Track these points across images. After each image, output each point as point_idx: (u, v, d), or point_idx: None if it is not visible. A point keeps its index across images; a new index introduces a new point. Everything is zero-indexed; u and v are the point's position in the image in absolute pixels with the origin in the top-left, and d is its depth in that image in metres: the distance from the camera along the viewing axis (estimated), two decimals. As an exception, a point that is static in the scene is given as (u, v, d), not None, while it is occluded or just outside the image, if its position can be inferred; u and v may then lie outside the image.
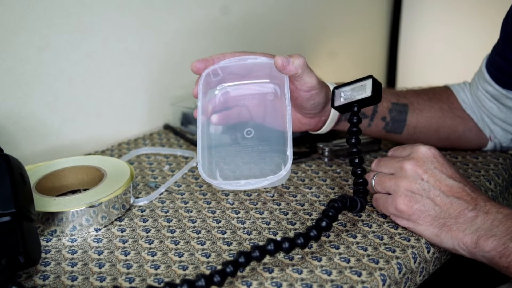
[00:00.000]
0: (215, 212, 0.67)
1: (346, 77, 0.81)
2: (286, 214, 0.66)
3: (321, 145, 0.81)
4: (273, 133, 0.70)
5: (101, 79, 0.88)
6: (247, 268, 0.54)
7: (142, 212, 0.68)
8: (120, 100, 0.91)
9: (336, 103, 0.67)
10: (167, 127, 0.97)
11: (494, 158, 0.80)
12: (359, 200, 0.60)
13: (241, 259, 0.51)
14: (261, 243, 0.57)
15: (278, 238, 0.59)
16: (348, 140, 0.64)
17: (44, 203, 0.62)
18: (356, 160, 0.63)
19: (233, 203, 0.69)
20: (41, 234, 0.62)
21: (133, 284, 0.54)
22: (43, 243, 0.61)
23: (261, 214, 0.66)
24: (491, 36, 0.79)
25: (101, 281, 0.54)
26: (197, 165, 0.64)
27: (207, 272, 0.54)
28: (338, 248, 0.58)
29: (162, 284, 0.50)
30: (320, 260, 0.56)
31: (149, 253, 0.59)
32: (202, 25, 1.01)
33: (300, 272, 0.54)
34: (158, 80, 0.96)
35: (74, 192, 0.72)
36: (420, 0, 1.50)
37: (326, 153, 0.80)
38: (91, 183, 0.71)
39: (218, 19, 1.04)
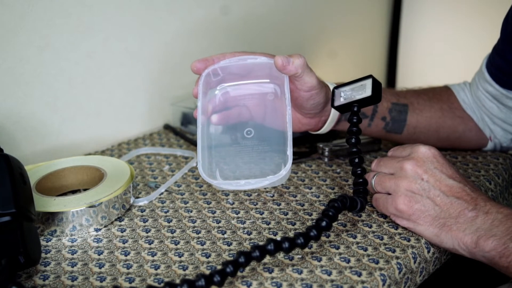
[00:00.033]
0: (215, 212, 0.67)
1: (346, 77, 0.81)
2: (286, 214, 0.66)
3: (321, 145, 0.81)
4: (273, 133, 0.70)
5: (101, 79, 0.88)
6: (247, 268, 0.54)
7: (142, 212, 0.68)
8: (120, 100, 0.91)
9: (336, 103, 0.67)
10: (167, 127, 0.97)
11: (494, 158, 0.80)
12: (359, 200, 0.60)
13: (241, 259, 0.51)
14: (261, 243, 0.57)
15: (278, 238, 0.59)
16: (348, 140, 0.64)
17: (44, 203, 0.62)
18: (356, 160, 0.63)
19: (233, 203, 0.69)
20: (41, 234, 0.62)
21: (133, 284, 0.54)
22: (43, 243, 0.61)
23: (261, 214, 0.66)
24: (491, 36, 0.79)
25: (101, 281, 0.54)
26: (197, 165, 0.64)
27: (207, 272, 0.54)
28: (338, 248, 0.58)
29: (162, 284, 0.50)
30: (320, 260, 0.56)
31: (149, 253, 0.59)
32: (202, 25, 1.01)
33: (300, 272, 0.54)
34: (158, 80, 0.96)
35: (74, 192, 0.72)
36: (420, 0, 1.50)
37: (326, 153, 0.80)
38: (91, 183, 0.71)
39: (218, 19, 1.04)
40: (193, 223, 0.64)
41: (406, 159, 0.60)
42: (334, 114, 0.72)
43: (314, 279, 0.53)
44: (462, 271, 0.81)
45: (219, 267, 0.53)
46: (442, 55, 1.50)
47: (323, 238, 0.60)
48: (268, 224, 0.64)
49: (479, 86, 0.78)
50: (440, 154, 0.60)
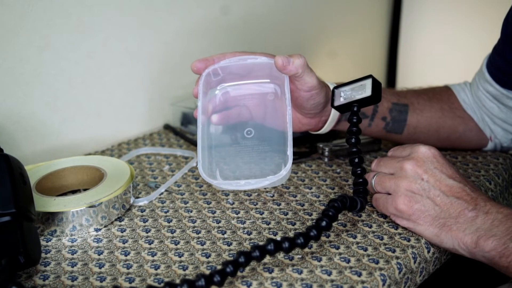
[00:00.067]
0: (215, 212, 0.67)
1: (346, 77, 0.81)
2: (286, 214, 0.66)
3: (321, 145, 0.81)
4: (273, 133, 0.70)
5: (101, 79, 0.88)
6: (247, 268, 0.54)
7: (142, 212, 0.68)
8: (120, 100, 0.91)
9: (336, 103, 0.67)
10: (167, 127, 0.97)
11: (494, 158, 0.80)
12: (359, 200, 0.60)
13: (241, 259, 0.51)
14: (261, 243, 0.57)
15: (278, 238, 0.59)
16: (348, 140, 0.64)
17: (44, 203, 0.62)
18: (356, 160, 0.63)
19: (233, 203, 0.69)
20: (41, 234, 0.62)
21: (133, 284, 0.54)
22: (43, 243, 0.61)
23: (261, 214, 0.66)
24: (491, 36, 0.79)
25: (101, 281, 0.54)
26: (197, 165, 0.64)
27: (207, 272, 0.54)
28: (338, 248, 0.58)
29: (162, 284, 0.50)
30: (320, 260, 0.56)
31: (149, 253, 0.59)
32: (202, 25, 1.01)
33: (300, 272, 0.54)
34: (158, 80, 0.96)
35: (74, 192, 0.72)
36: (420, 0, 1.50)
37: (326, 153, 0.80)
38: (91, 183, 0.71)
39: (218, 19, 1.04)
40: (193, 223, 0.64)
41: (406, 159, 0.60)
42: (334, 114, 0.72)
43: (314, 279, 0.53)
44: (462, 271, 0.81)
45: (219, 267, 0.53)
46: (442, 55, 1.50)
47: (323, 238, 0.60)
48: (268, 224, 0.64)
49: (479, 86, 0.78)
50: (440, 154, 0.60)
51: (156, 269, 0.56)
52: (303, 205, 0.68)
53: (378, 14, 1.52)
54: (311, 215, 0.65)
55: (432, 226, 0.57)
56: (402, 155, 0.62)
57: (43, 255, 0.59)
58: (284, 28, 1.22)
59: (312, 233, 0.54)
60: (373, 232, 0.61)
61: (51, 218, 0.61)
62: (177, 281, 0.54)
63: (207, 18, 1.02)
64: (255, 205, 0.68)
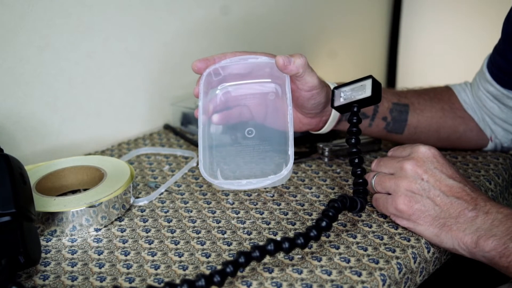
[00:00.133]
0: (215, 212, 0.67)
1: (346, 77, 0.81)
2: (286, 214, 0.66)
3: (321, 145, 0.81)
4: (274, 133, 0.70)
5: (101, 79, 0.88)
6: (247, 268, 0.54)
7: (142, 212, 0.67)
8: (120, 100, 0.91)
9: (336, 103, 0.67)
10: (167, 127, 0.97)
11: (494, 158, 0.80)
12: (359, 200, 0.60)
13: (241, 259, 0.51)
14: (261, 243, 0.57)
15: (278, 238, 0.59)
16: (348, 140, 0.64)
17: (44, 203, 0.62)
18: (356, 160, 0.63)
19: (233, 203, 0.69)
20: (41, 234, 0.62)
21: (133, 284, 0.54)
22: (43, 243, 0.61)
23: (261, 214, 0.66)
24: (491, 36, 0.79)
25: (101, 281, 0.54)
26: (197, 165, 0.64)
27: (207, 272, 0.54)
28: (338, 248, 0.58)
29: (162, 284, 0.50)
30: (320, 260, 0.56)
31: (149, 253, 0.59)
32: (202, 25, 1.01)
33: (300, 272, 0.54)
34: (158, 80, 0.96)
35: (74, 192, 0.72)
36: (420, 0, 1.50)
37: (326, 153, 0.80)
38: (91, 183, 0.71)
39: (218, 19, 1.04)
40: (193, 223, 0.64)
41: (406, 159, 0.60)
42: (334, 114, 0.72)
43: (314, 279, 0.53)
44: (462, 271, 0.81)
45: (219, 267, 0.53)
46: (442, 55, 1.50)
47: (323, 238, 0.60)
48: (268, 224, 0.64)
49: (480, 86, 0.78)
50: (440, 154, 0.60)
51: (156, 269, 0.56)
52: (303, 205, 0.68)
53: (378, 14, 1.52)
54: (311, 215, 0.65)
55: (432, 226, 0.57)
56: (402, 155, 0.62)
57: (43, 255, 0.59)
58: (284, 28, 1.22)
59: (312, 234, 0.54)
60: (373, 232, 0.61)
61: (51, 218, 0.61)
62: (177, 281, 0.54)
63: (207, 18, 1.02)
64: (255, 205, 0.68)
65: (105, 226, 0.64)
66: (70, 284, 0.54)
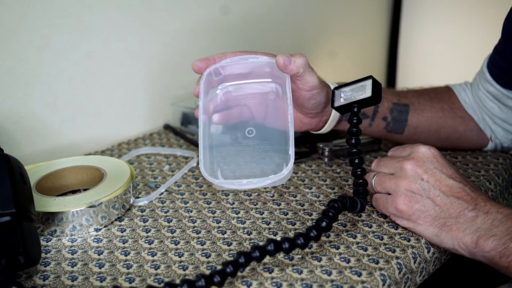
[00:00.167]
0: (215, 212, 0.67)
1: (346, 77, 0.81)
2: (286, 214, 0.66)
3: (321, 145, 0.81)
4: (274, 133, 0.70)
5: (101, 79, 0.88)
6: (247, 268, 0.54)
7: (142, 212, 0.67)
8: (120, 100, 0.91)
9: (336, 104, 0.67)
10: (167, 127, 0.97)
11: (494, 158, 0.80)
12: (359, 201, 0.60)
13: (241, 259, 0.51)
14: (261, 243, 0.57)
15: (278, 238, 0.59)
16: (348, 141, 0.64)
17: (44, 203, 0.62)
18: (356, 161, 0.63)
19: (233, 203, 0.69)
20: (41, 234, 0.62)
21: (133, 284, 0.54)
22: (43, 243, 0.61)
23: (261, 214, 0.66)
24: (491, 36, 0.79)
25: (101, 281, 0.54)
26: (197, 165, 0.64)
27: (207, 272, 0.54)
28: (338, 248, 0.58)
29: (162, 284, 0.50)
30: (320, 260, 0.56)
31: (149, 253, 0.59)
32: (202, 25, 1.01)
33: (300, 272, 0.54)
34: (158, 80, 0.96)
35: (74, 192, 0.72)
36: (420, 0, 1.50)
37: (326, 153, 0.80)
38: (91, 183, 0.71)
39: (218, 19, 1.04)
40: (193, 223, 0.64)
41: (406, 159, 0.60)
42: (335, 114, 0.72)
43: (314, 279, 0.53)
44: (462, 271, 0.81)
45: (219, 267, 0.53)
46: (442, 55, 1.50)
47: (323, 238, 0.60)
48: (268, 224, 0.64)
49: (480, 86, 0.78)
50: (440, 154, 0.60)
51: (156, 269, 0.56)
52: (303, 205, 0.68)
53: (378, 14, 1.52)
54: (311, 215, 0.65)
55: (432, 226, 0.57)
56: (402, 155, 0.62)
57: (43, 255, 0.59)
58: (284, 28, 1.22)
59: (312, 234, 0.54)
60: (373, 232, 0.61)
61: (51, 218, 0.61)
62: (177, 281, 0.54)
63: (207, 18, 1.02)
64: (255, 205, 0.68)
65: (105, 226, 0.64)
66: (70, 284, 0.54)
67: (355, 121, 0.64)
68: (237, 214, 0.66)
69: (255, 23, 1.13)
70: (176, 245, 0.60)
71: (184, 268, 0.56)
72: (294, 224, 0.63)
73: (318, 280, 0.53)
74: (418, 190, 0.58)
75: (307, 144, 0.85)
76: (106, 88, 0.89)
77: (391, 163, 0.61)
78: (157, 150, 0.86)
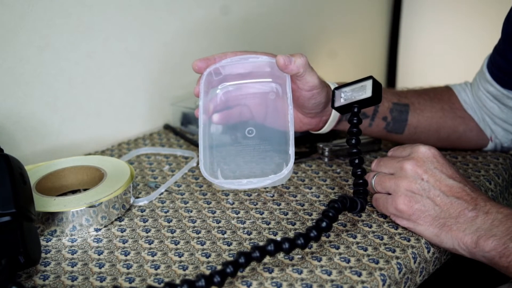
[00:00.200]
0: (215, 212, 0.67)
1: (346, 77, 0.81)
2: (286, 214, 0.66)
3: (321, 145, 0.81)
4: (275, 133, 0.70)
5: (101, 79, 0.88)
6: (247, 268, 0.54)
7: (142, 212, 0.67)
8: (120, 100, 0.91)
9: (336, 104, 0.67)
10: (167, 127, 0.97)
11: (494, 158, 0.80)
12: (359, 201, 0.60)
13: (241, 260, 0.51)
14: (261, 243, 0.57)
15: (278, 238, 0.59)
16: (348, 141, 0.64)
17: (44, 203, 0.62)
18: (356, 161, 0.63)
19: (233, 203, 0.69)
20: (41, 234, 0.62)
21: (133, 284, 0.54)
22: (43, 243, 0.61)
23: (261, 214, 0.66)
24: (491, 36, 0.79)
25: (101, 281, 0.54)
26: (197, 165, 0.64)
27: (207, 272, 0.54)
28: (338, 248, 0.58)
29: (162, 284, 0.50)
30: (320, 260, 0.56)
31: (149, 253, 0.59)
32: (202, 25, 1.01)
33: (300, 272, 0.54)
34: (158, 80, 0.96)
35: (74, 192, 0.72)
36: (420, 0, 1.50)
37: (326, 153, 0.80)
38: (91, 183, 0.71)
39: (218, 19, 1.04)
40: (193, 223, 0.64)
41: (406, 159, 0.60)
42: (335, 114, 0.72)
43: (314, 279, 0.53)
44: (462, 271, 0.81)
45: (219, 267, 0.54)
46: (442, 55, 1.50)
47: (323, 238, 0.60)
48: (268, 224, 0.64)
49: (480, 86, 0.78)
50: (440, 154, 0.60)
51: (156, 269, 0.56)
52: (303, 205, 0.68)
53: (378, 14, 1.52)
54: (311, 215, 0.65)
55: (432, 226, 0.57)
56: (402, 155, 0.62)
57: (43, 255, 0.59)
58: (284, 28, 1.22)
59: (312, 234, 0.54)
60: (373, 232, 0.61)
61: (51, 218, 0.61)
62: (177, 281, 0.54)
63: (207, 18, 1.02)
64: (255, 205, 0.68)
65: (105, 226, 0.64)
66: (70, 284, 0.54)
67: (355, 121, 0.64)
68: (237, 214, 0.66)
69: (255, 23, 1.13)
70: (176, 245, 0.60)
71: (184, 268, 0.56)
72: (294, 224, 0.63)
73: (318, 280, 0.53)
74: (418, 190, 0.58)
75: (307, 144, 0.85)
76: (106, 88, 0.89)
77: (391, 163, 0.61)
78: (157, 150, 0.86)
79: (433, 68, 1.53)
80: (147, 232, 0.63)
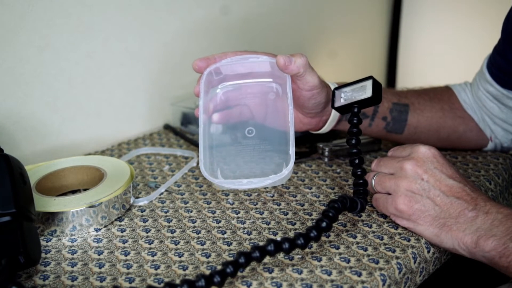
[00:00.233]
0: (215, 212, 0.67)
1: (346, 77, 0.81)
2: (286, 214, 0.66)
3: (321, 145, 0.81)
4: (275, 133, 0.70)
5: (101, 79, 0.88)
6: (247, 268, 0.54)
7: (142, 212, 0.67)
8: (120, 100, 0.91)
9: (336, 104, 0.67)
10: (167, 127, 0.97)
11: (494, 158, 0.80)
12: (359, 201, 0.60)
13: (241, 260, 0.51)
14: (261, 243, 0.57)
15: (278, 238, 0.59)
16: (348, 141, 0.64)
17: (44, 203, 0.62)
18: (356, 161, 0.63)
19: (233, 203, 0.69)
20: (41, 234, 0.62)
21: (133, 284, 0.54)
22: (43, 243, 0.61)
23: (261, 214, 0.66)
24: (491, 36, 0.79)
25: (101, 281, 0.54)
26: (197, 165, 0.64)
27: (207, 272, 0.54)
28: (338, 248, 0.58)
29: (162, 284, 0.50)
30: (320, 260, 0.56)
31: (149, 253, 0.59)
32: (202, 25, 1.01)
33: (300, 272, 0.54)
34: (158, 80, 0.96)
35: (74, 192, 0.72)
36: (420, 0, 1.50)
37: (326, 153, 0.80)
38: (91, 183, 0.71)
39: (218, 19, 1.04)
40: (193, 223, 0.64)
41: (406, 159, 0.60)
42: (334, 114, 0.72)
43: (314, 279, 0.53)
44: (462, 271, 0.81)
45: (219, 267, 0.54)
46: (442, 55, 1.50)
47: (323, 238, 0.60)
48: (268, 224, 0.64)
49: (479, 86, 0.78)
50: (440, 154, 0.60)
51: (156, 269, 0.56)
52: (303, 205, 0.68)
53: (378, 14, 1.52)
54: (311, 215, 0.65)
55: (432, 226, 0.57)
56: (402, 155, 0.62)
57: (43, 255, 0.59)
58: (284, 28, 1.22)
59: (312, 234, 0.54)
60: (373, 232, 0.61)
61: (51, 218, 0.61)
62: (177, 281, 0.54)
63: (207, 18, 1.02)
64: (255, 205, 0.68)
65: (105, 226, 0.64)
66: (70, 284, 0.54)
67: (355, 121, 0.64)
68: (237, 214, 0.66)
69: (255, 23, 1.13)
70: (176, 245, 0.60)
71: (184, 268, 0.56)
72: (294, 224, 0.63)
73: (318, 280, 0.53)
74: (418, 190, 0.58)
75: (307, 144, 0.85)
76: (106, 88, 0.89)
77: (391, 163, 0.61)
78: (157, 150, 0.86)
79: (433, 68, 1.53)
80: (147, 232, 0.63)
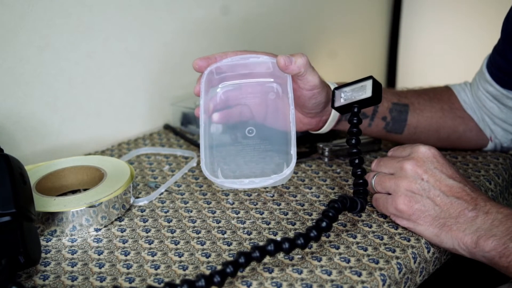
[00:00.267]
0: (215, 212, 0.67)
1: (346, 77, 0.81)
2: (286, 214, 0.66)
3: (321, 145, 0.81)
4: (275, 132, 0.70)
5: (101, 79, 0.88)
6: (247, 268, 0.54)
7: (142, 212, 0.67)
8: (120, 100, 0.91)
9: (336, 104, 0.67)
10: (167, 127, 0.97)
11: (494, 158, 0.80)
12: (359, 201, 0.60)
13: (241, 260, 0.51)
14: (261, 243, 0.57)
15: (278, 238, 0.59)
16: (348, 141, 0.64)
17: (44, 203, 0.62)
18: (356, 161, 0.63)
19: (233, 203, 0.69)
20: (41, 234, 0.62)
21: (133, 284, 0.54)
22: (43, 243, 0.61)
23: (261, 214, 0.66)
24: (491, 36, 0.79)
25: (101, 281, 0.54)
26: (197, 165, 0.64)
27: (207, 272, 0.54)
28: (338, 248, 0.58)
29: (162, 284, 0.50)
30: (320, 260, 0.56)
31: (149, 253, 0.59)
32: (202, 25, 1.01)
33: (300, 272, 0.54)
34: (158, 80, 0.96)
35: (74, 192, 0.72)
36: (420, 0, 1.50)
37: (326, 153, 0.80)
38: (91, 183, 0.71)
39: (218, 19, 1.04)
40: (193, 223, 0.64)
41: (406, 159, 0.60)
42: (334, 114, 0.72)
43: (314, 279, 0.53)
44: (462, 271, 0.81)
45: (219, 267, 0.54)
46: (442, 55, 1.50)
47: (323, 238, 0.60)
48: (268, 224, 0.64)
49: (479, 86, 0.78)
50: (440, 154, 0.60)
51: (156, 269, 0.56)
52: (303, 205, 0.68)
53: (378, 14, 1.52)
54: (311, 215, 0.65)
55: (432, 226, 0.57)
56: (402, 155, 0.62)
57: (43, 255, 0.59)
58: (284, 28, 1.22)
59: (312, 234, 0.54)
60: (373, 232, 0.61)
61: (51, 218, 0.61)
62: (177, 281, 0.54)
63: (207, 18, 1.02)
64: (255, 205, 0.68)
65: (105, 226, 0.64)
66: (70, 284, 0.54)
67: (355, 121, 0.64)
68: (237, 214, 0.66)
69: (255, 23, 1.13)
70: (176, 245, 0.60)
71: (184, 268, 0.56)
72: (294, 224, 0.63)
73: (318, 280, 0.53)
74: (418, 190, 0.58)
75: (307, 144, 0.85)
76: (106, 88, 0.89)
77: (391, 163, 0.61)
78: (157, 150, 0.86)
79: (433, 68, 1.53)
80: (147, 232, 0.63)
